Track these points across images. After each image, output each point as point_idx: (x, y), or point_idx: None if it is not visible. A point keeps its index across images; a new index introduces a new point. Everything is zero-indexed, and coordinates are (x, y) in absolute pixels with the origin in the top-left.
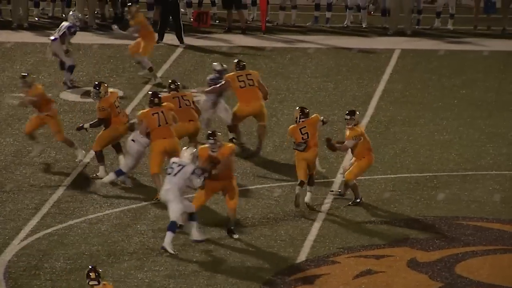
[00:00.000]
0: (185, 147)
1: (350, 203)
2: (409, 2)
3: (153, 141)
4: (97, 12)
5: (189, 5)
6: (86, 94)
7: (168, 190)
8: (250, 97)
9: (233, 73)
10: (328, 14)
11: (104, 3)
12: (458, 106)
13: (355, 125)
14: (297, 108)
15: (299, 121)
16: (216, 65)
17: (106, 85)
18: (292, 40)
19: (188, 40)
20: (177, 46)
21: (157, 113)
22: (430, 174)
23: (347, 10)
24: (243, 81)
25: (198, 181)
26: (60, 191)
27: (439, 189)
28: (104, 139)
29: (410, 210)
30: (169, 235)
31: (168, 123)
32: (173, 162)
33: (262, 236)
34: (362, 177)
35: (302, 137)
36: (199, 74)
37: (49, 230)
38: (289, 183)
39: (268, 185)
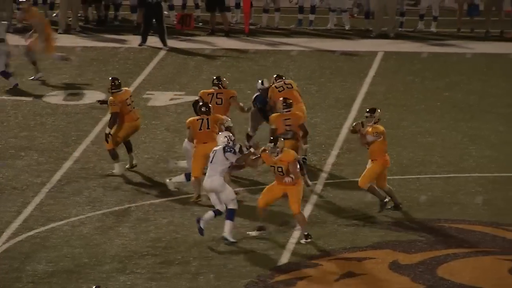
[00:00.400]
0: (220, 132)
1: (384, 206)
2: (393, 4)
3: (195, 146)
4: (80, 15)
5: (171, 8)
6: (69, 96)
7: (212, 180)
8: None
9: (272, 86)
10: (311, 17)
11: (87, 5)
12: (441, 108)
13: (375, 123)
14: (280, 98)
15: (282, 112)
16: (258, 84)
17: (112, 82)
18: (275, 42)
19: (171, 43)
20: (160, 48)
21: (202, 119)
22: (413, 176)
23: (331, 12)
24: (281, 86)
25: (233, 156)
26: (42, 194)
27: (422, 192)
28: (117, 137)
29: (392, 213)
30: (228, 224)
31: (210, 129)
32: (212, 151)
33: (244, 239)
34: (345, 180)
35: (286, 129)
36: (182, 77)
37: (31, 233)
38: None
39: (250, 188)
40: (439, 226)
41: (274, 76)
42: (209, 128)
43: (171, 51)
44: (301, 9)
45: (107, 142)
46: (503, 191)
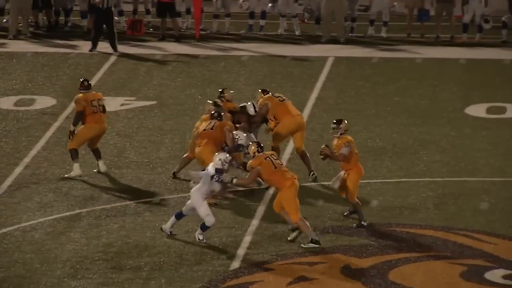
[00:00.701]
0: (217, 153)
1: (355, 225)
2: (341, 10)
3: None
4: (30, 21)
5: (121, 13)
6: (20, 102)
7: (192, 193)
8: (291, 109)
9: (266, 96)
10: (262, 22)
11: (38, 11)
12: (391, 113)
13: (341, 134)
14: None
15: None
16: (249, 105)
17: (81, 83)
18: (226, 48)
19: (122, 48)
20: (111, 54)
21: (210, 122)
22: (364, 181)
23: (281, 18)
24: (279, 96)
25: (217, 185)
26: None
27: (372, 196)
28: (79, 138)
29: (343, 217)
30: (201, 229)
31: (214, 130)
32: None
33: (196, 243)
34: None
35: None
36: (132, 82)
37: None
38: None
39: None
40: (391, 230)
41: (259, 90)
42: (212, 129)
43: (121, 56)
44: (251, 15)
45: (70, 139)
46: (454, 196)
